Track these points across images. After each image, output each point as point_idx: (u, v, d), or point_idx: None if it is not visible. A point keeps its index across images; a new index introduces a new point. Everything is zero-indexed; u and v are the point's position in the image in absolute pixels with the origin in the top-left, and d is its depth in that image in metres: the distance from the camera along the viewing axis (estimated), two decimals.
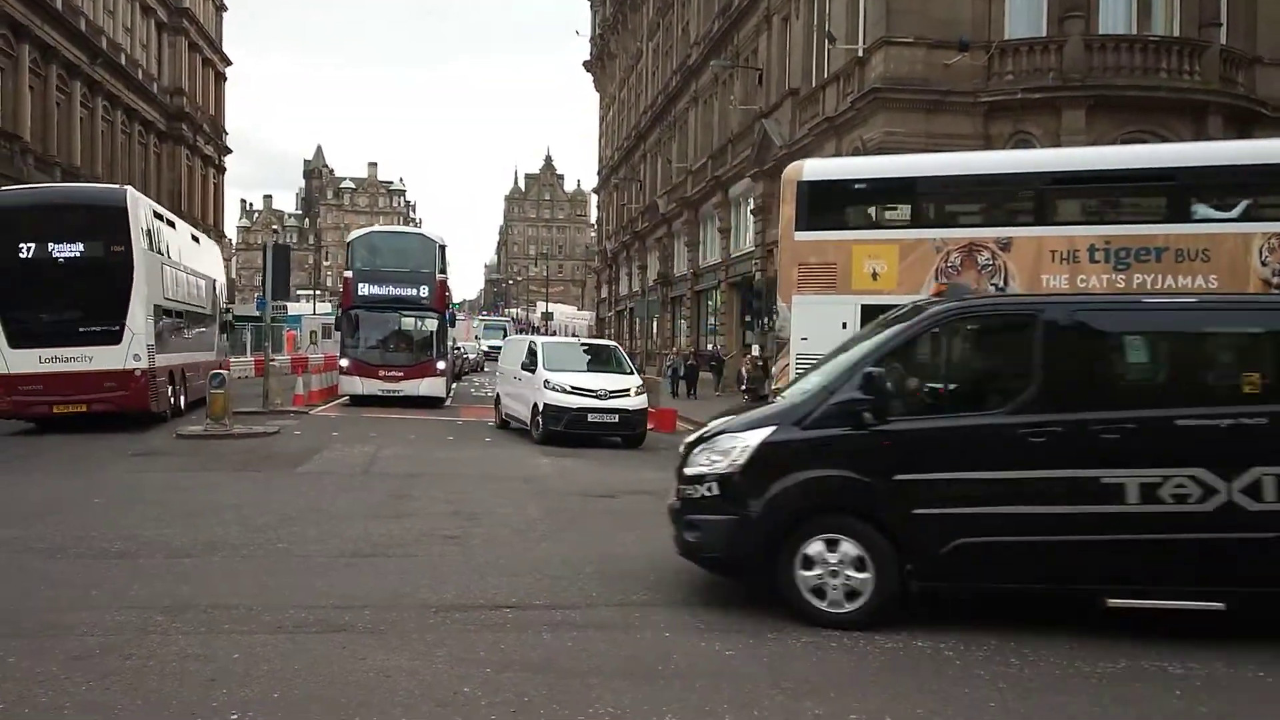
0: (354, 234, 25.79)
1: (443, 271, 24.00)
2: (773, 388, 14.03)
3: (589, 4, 70.64)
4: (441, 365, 23.48)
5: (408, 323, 23.82)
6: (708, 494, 6.26)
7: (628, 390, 16.58)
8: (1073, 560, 5.89)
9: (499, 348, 31.66)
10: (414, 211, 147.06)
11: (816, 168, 14.47)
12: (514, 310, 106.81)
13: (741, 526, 6.12)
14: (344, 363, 23.24)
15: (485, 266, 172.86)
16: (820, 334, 12.76)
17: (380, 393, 22.50)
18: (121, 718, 4.42)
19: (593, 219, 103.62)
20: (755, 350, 23.92)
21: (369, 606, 6.22)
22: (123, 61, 40.52)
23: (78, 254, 16.43)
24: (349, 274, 23.67)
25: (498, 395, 20.06)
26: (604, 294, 66.37)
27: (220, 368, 22.44)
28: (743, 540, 6.13)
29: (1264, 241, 12.22)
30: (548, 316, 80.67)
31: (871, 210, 14.37)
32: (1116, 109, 20.40)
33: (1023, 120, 20.93)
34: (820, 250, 13.45)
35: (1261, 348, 6.35)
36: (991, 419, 6.12)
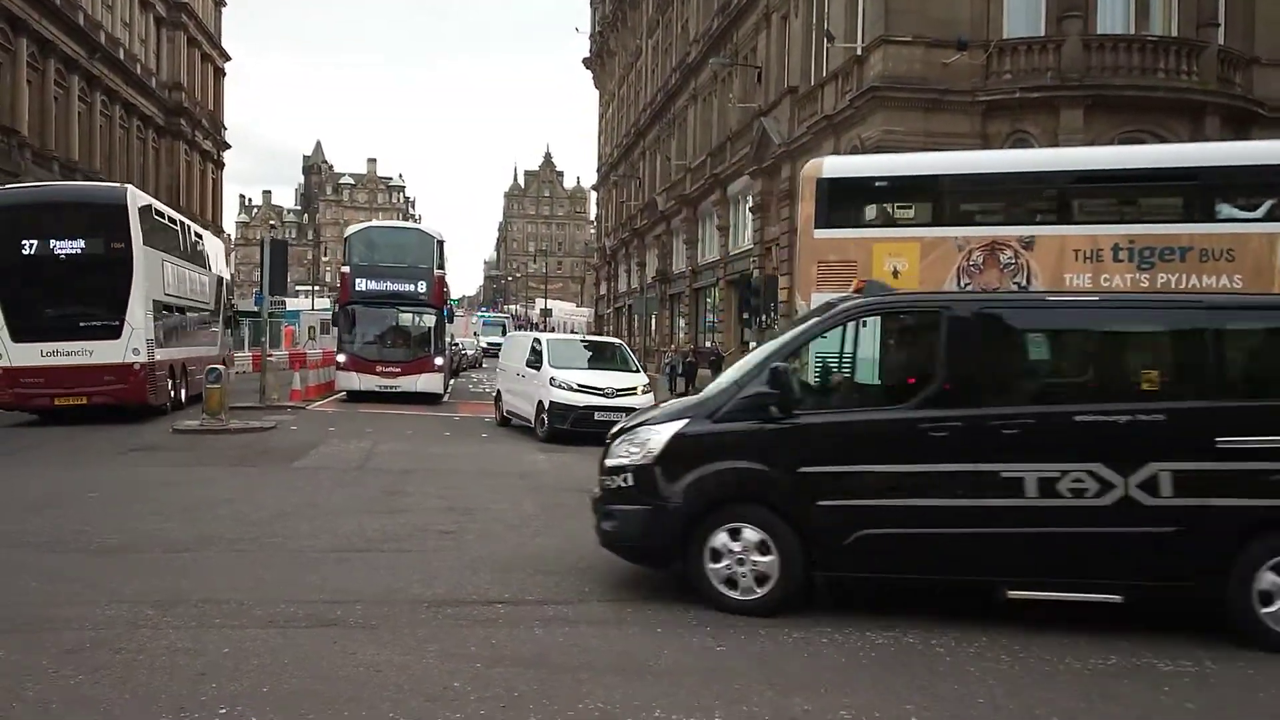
0: (351, 229, 25.70)
1: (441, 267, 23.93)
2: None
3: (589, 1, 70.59)
4: (439, 361, 23.44)
5: (405, 318, 23.76)
6: (624, 485, 6.44)
7: (634, 389, 16.53)
8: (973, 552, 5.99)
9: (498, 344, 31.73)
10: (413, 208, 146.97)
11: (837, 164, 14.29)
12: (513, 306, 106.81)
13: (655, 516, 6.29)
14: (341, 358, 23.22)
15: (485, 263, 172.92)
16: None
17: (377, 388, 22.47)
18: (111, 712, 4.42)
19: (592, 216, 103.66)
20: (753, 347, 23.93)
21: (361, 601, 6.22)
22: (121, 56, 40.45)
23: (79, 251, 16.88)
24: (346, 269, 23.61)
25: (499, 392, 20.03)
26: (603, 291, 66.38)
27: (224, 363, 22.80)
28: (656, 529, 6.30)
29: None
30: (547, 313, 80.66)
31: (892, 208, 14.22)
32: (1114, 109, 20.39)
33: (1021, 119, 20.91)
34: (840, 248, 13.25)
35: (1160, 346, 6.44)
36: (895, 413, 6.25)
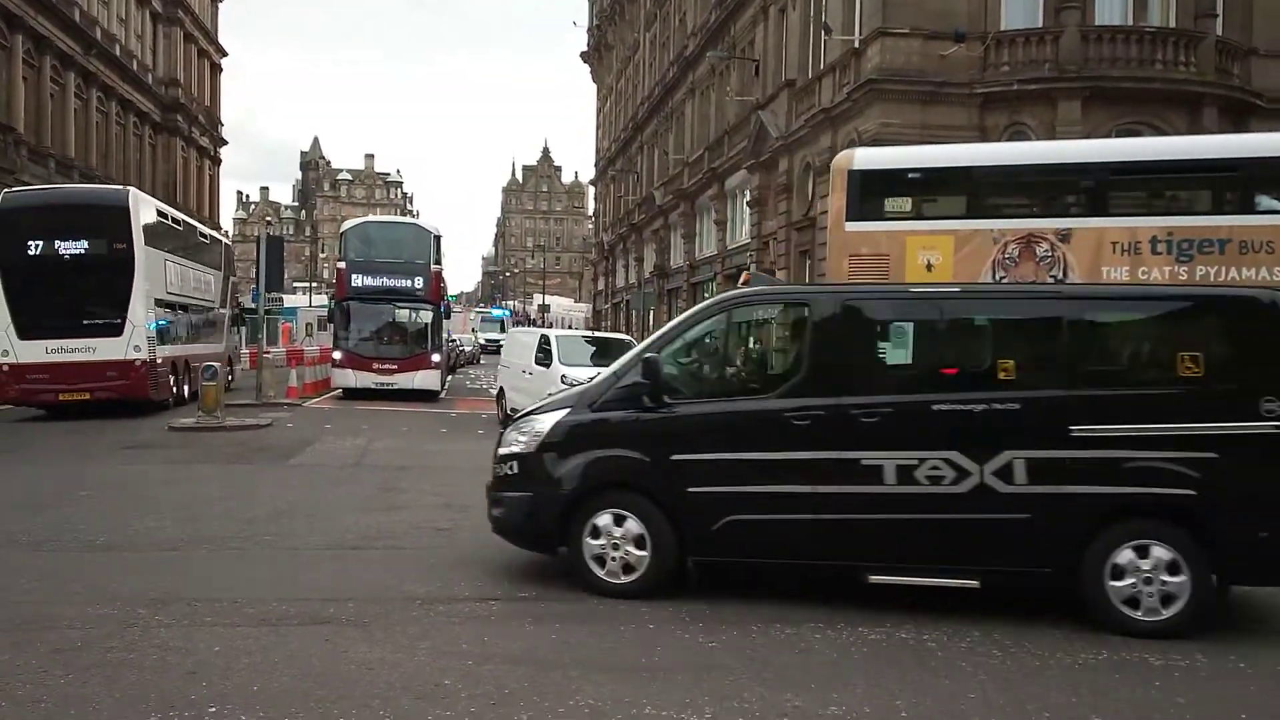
0: (347, 224, 25.58)
1: (438, 262, 23.83)
2: None
3: None
4: (436, 358, 23.37)
5: (402, 315, 23.68)
6: (510, 472, 6.66)
7: None
8: (836, 537, 6.14)
9: (496, 340, 31.66)
10: (411, 203, 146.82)
11: (868, 156, 14.08)
12: (511, 302, 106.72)
13: (538, 502, 6.50)
14: (337, 355, 23.16)
15: (483, 259, 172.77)
16: None
17: (374, 386, 22.41)
18: (100, 711, 4.41)
19: (590, 211, 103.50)
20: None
21: (353, 599, 6.22)
22: (117, 52, 40.33)
23: (82, 251, 17.43)
24: (342, 265, 23.52)
25: (501, 389, 19.96)
26: (601, 286, 66.32)
27: (230, 360, 23.09)
28: (539, 515, 6.51)
29: None
30: (545, 309, 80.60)
31: (925, 200, 13.93)
32: (1112, 100, 20.34)
33: (1018, 111, 20.86)
34: (872, 241, 13.07)
35: (1017, 336, 6.55)
36: (762, 403, 6.42)
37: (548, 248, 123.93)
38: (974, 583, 6.08)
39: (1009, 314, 6.68)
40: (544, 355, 17.21)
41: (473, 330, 57.65)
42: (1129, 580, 5.82)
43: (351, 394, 22.62)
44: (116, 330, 17.35)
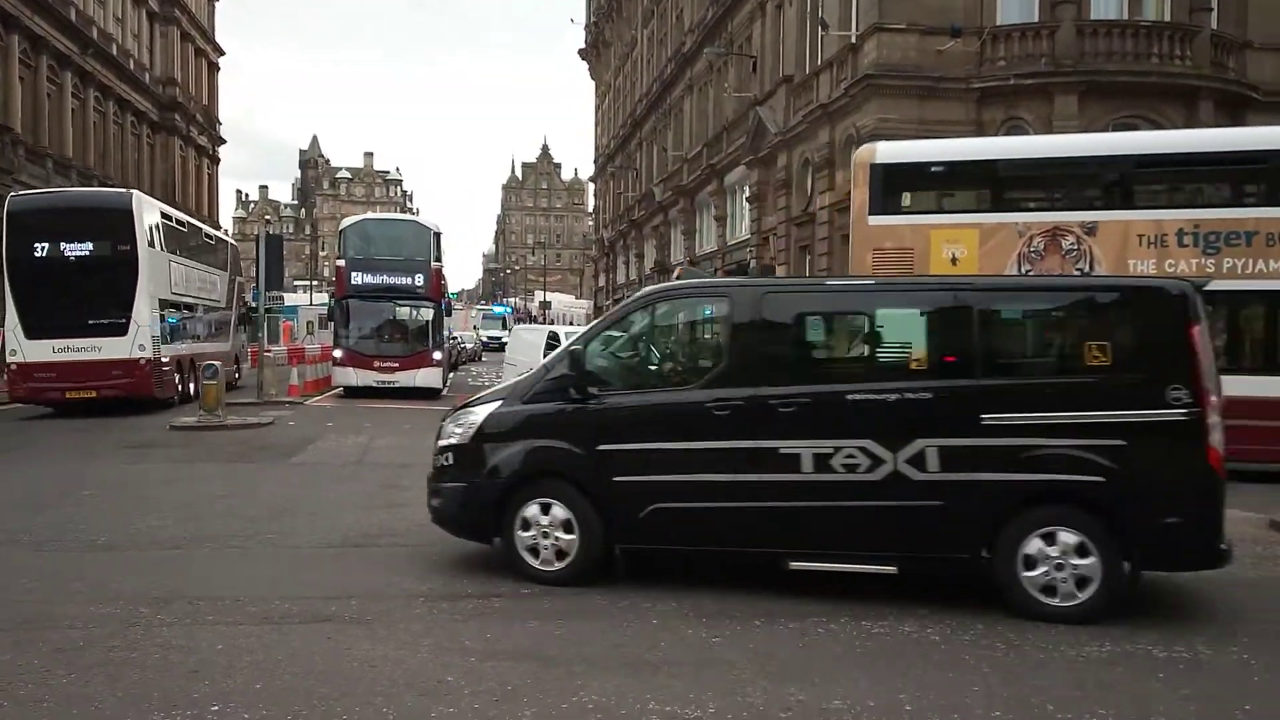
0: (346, 221, 25.54)
1: (438, 259, 23.78)
2: None
3: None
4: (438, 355, 23.32)
5: (402, 312, 23.65)
6: (447, 463, 6.82)
7: None
8: (756, 525, 6.27)
9: (498, 338, 31.56)
10: (411, 201, 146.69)
11: (890, 150, 14.06)
12: (513, 299, 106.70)
13: (471, 492, 6.66)
14: (337, 354, 23.14)
15: (483, 256, 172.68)
16: None
17: (375, 384, 22.39)
18: (102, 710, 4.41)
19: (590, 208, 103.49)
20: None
21: (356, 597, 6.22)
22: (114, 52, 40.25)
23: (87, 252, 17.91)
24: (341, 262, 23.49)
25: None
26: (601, 282, 66.28)
27: (237, 359, 23.30)
28: (473, 505, 6.67)
29: None
30: (546, 305, 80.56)
31: (949, 193, 14.00)
32: (1109, 94, 20.35)
33: (1015, 106, 20.87)
34: (896, 235, 13.05)
35: (930, 327, 6.62)
36: (685, 394, 6.55)
37: (548, 244, 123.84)
38: (891, 569, 6.23)
39: (921, 306, 6.77)
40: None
41: (474, 327, 57.62)
42: (1041, 567, 5.90)
43: (353, 392, 22.60)
44: (121, 330, 17.79)
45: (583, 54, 69.07)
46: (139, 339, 17.88)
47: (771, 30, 29.19)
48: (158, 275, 18.97)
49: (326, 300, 35.75)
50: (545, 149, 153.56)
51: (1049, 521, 5.92)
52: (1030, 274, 12.34)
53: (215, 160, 55.46)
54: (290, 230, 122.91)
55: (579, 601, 6.24)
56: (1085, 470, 5.86)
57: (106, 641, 5.27)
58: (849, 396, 6.24)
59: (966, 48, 20.86)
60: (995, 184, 13.28)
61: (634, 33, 52.76)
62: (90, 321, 17.74)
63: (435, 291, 23.34)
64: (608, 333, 6.94)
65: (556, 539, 6.49)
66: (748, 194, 30.58)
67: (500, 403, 6.80)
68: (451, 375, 29.55)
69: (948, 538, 6.07)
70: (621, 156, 55.58)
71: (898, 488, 6.02)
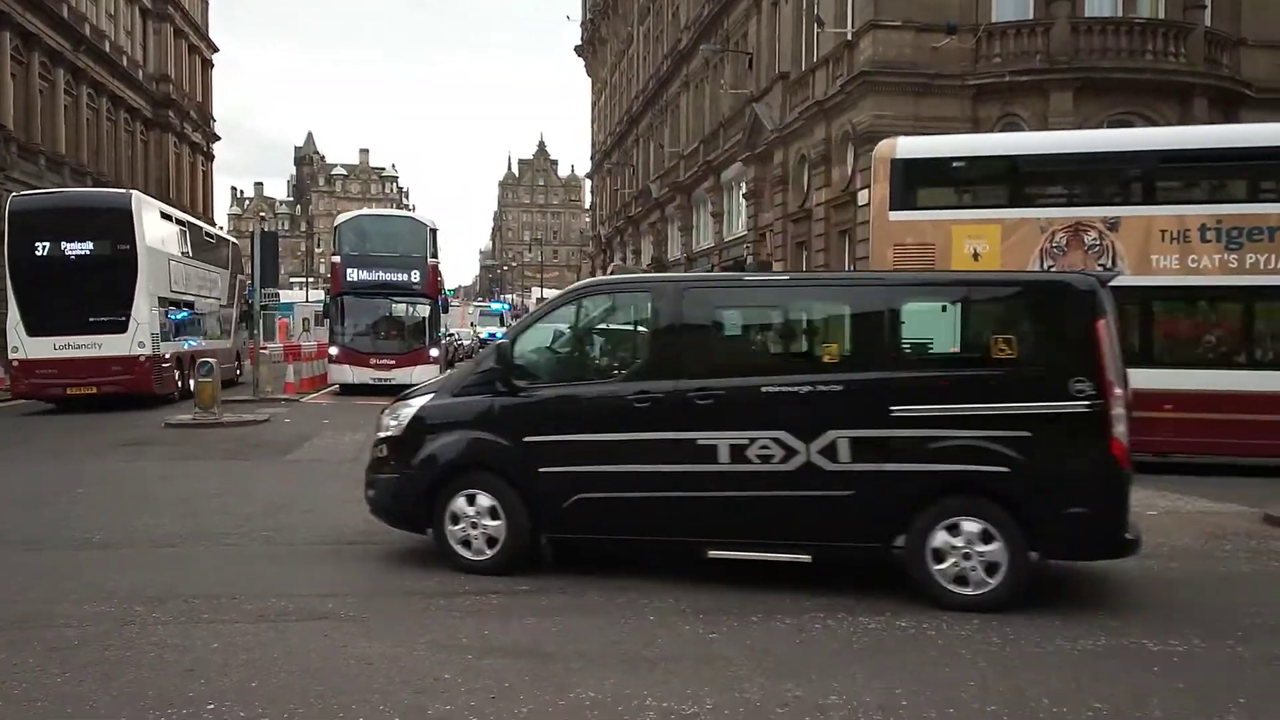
0: (341, 217, 25.48)
1: (434, 256, 23.72)
2: None
3: None
4: (434, 353, 23.27)
5: (399, 309, 23.60)
6: (381, 455, 6.98)
7: None
8: (676, 514, 6.41)
9: (494, 334, 31.45)
10: (407, 198, 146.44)
11: (910, 145, 14.00)
12: (510, 296, 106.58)
13: (403, 483, 6.80)
14: (333, 351, 23.09)
15: (480, 252, 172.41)
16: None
17: (371, 381, 22.34)
18: (97, 709, 4.40)
19: (586, 204, 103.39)
20: None
21: (352, 594, 6.21)
22: (107, 49, 40.09)
23: (88, 251, 18.44)
24: (337, 259, 23.46)
25: None
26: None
27: (238, 356, 23.57)
28: (405, 496, 6.81)
29: None
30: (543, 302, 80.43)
31: (971, 189, 13.90)
32: (1103, 91, 20.38)
33: (1010, 103, 20.89)
34: (917, 230, 12.97)
35: (839, 321, 6.82)
36: (607, 387, 6.76)
37: (545, 241, 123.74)
38: (806, 558, 6.35)
39: (834, 301, 6.94)
40: None
41: (471, 324, 57.50)
42: (950, 557, 6.00)
43: (349, 389, 22.56)
44: (121, 327, 18.28)
45: (579, 51, 68.96)
46: (138, 336, 18.33)
47: (767, 27, 29.17)
48: (157, 274, 19.37)
49: (322, 297, 35.74)
50: (542, 145, 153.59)
51: (957, 512, 6.03)
52: (1053, 269, 12.39)
53: (209, 157, 55.29)
54: (286, 227, 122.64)
55: (576, 598, 6.23)
56: (990, 461, 5.97)
57: (101, 640, 5.25)
58: (764, 389, 6.39)
59: (962, 44, 20.87)
60: (1017, 179, 13.21)
61: (630, 29, 52.69)
62: (91, 319, 18.14)
63: (432, 288, 23.30)
64: (536, 327, 7.12)
65: (484, 529, 6.61)
66: (744, 190, 30.58)
67: (433, 396, 6.99)
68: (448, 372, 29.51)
69: (860, 527, 6.20)
70: (618, 153, 55.53)
71: (811, 478, 6.15)
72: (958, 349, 6.68)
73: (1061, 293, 6.37)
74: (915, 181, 13.24)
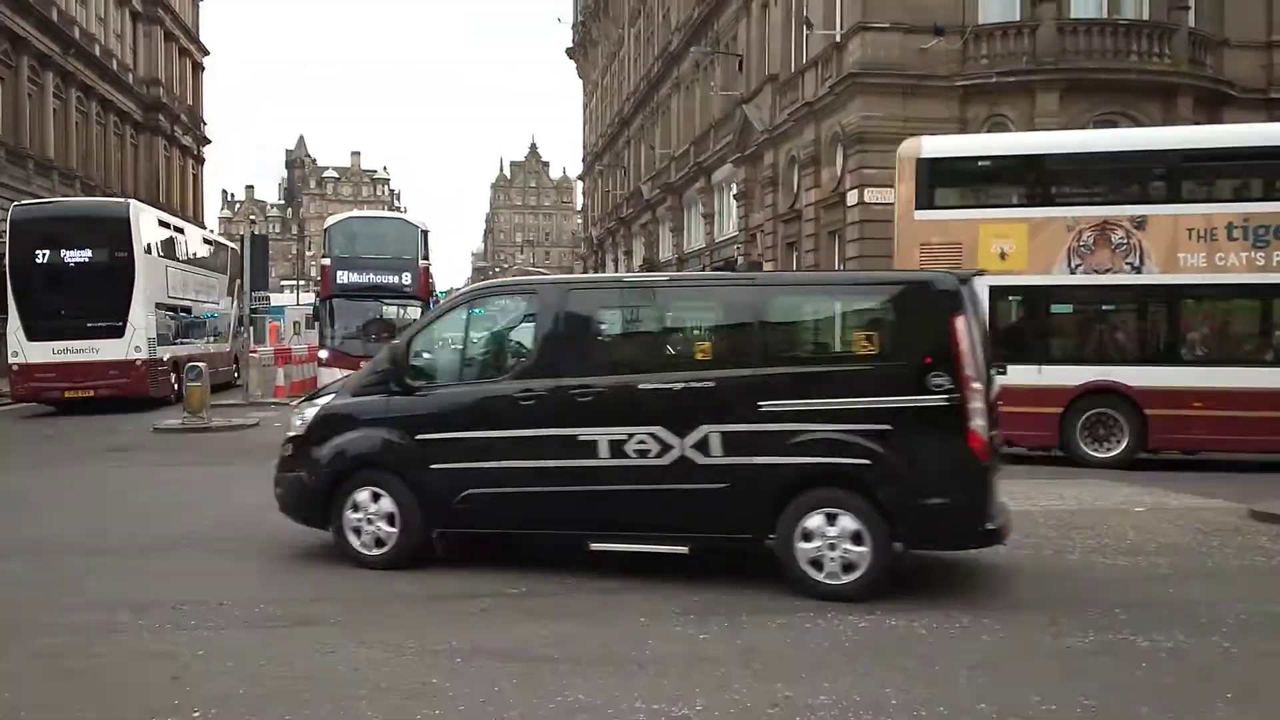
0: (331, 219, 25.38)
1: (425, 258, 23.62)
2: None
3: None
4: None
5: (389, 311, 23.43)
6: (287, 454, 7.25)
7: None
8: (560, 508, 6.62)
9: None
10: (398, 200, 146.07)
11: (936, 144, 13.96)
12: None
13: (305, 481, 7.04)
14: (323, 354, 22.95)
15: (472, 255, 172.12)
16: None
17: None
18: (81, 718, 4.37)
19: (578, 206, 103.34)
20: None
21: (340, 599, 6.19)
22: (97, 52, 39.91)
23: (87, 259, 19.13)
24: (327, 261, 23.33)
25: None
26: None
27: (235, 359, 24.03)
28: (307, 493, 7.03)
29: None
30: None
31: (997, 187, 13.90)
32: (1089, 91, 20.47)
33: (998, 103, 20.95)
34: (943, 229, 12.85)
35: (711, 320, 7.03)
36: (495, 386, 6.95)
37: (536, 243, 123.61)
38: (683, 549, 6.57)
39: (708, 300, 7.15)
40: None
41: None
42: (815, 545, 6.17)
43: None
44: (118, 332, 18.85)
45: (570, 53, 68.95)
46: (135, 341, 18.89)
47: (757, 29, 29.21)
48: (154, 280, 19.98)
49: (313, 300, 35.59)
50: (534, 148, 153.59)
51: (822, 503, 6.20)
52: (1080, 268, 12.46)
53: (200, 160, 55.11)
54: (277, 230, 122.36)
55: (565, 600, 6.23)
56: (852, 454, 6.16)
57: (86, 648, 5.22)
58: (641, 386, 6.58)
59: (950, 46, 20.92)
60: (1044, 178, 13.20)
61: (621, 32, 52.70)
62: (89, 324, 18.73)
63: (423, 290, 23.19)
64: (430, 328, 7.35)
65: (379, 525, 6.80)
66: (735, 191, 30.60)
67: (333, 396, 7.26)
68: None
69: (733, 519, 6.38)
70: (609, 155, 55.53)
71: (685, 472, 6.32)
72: (823, 346, 6.98)
73: (921, 291, 6.55)
74: (941, 181, 13.23)
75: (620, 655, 5.21)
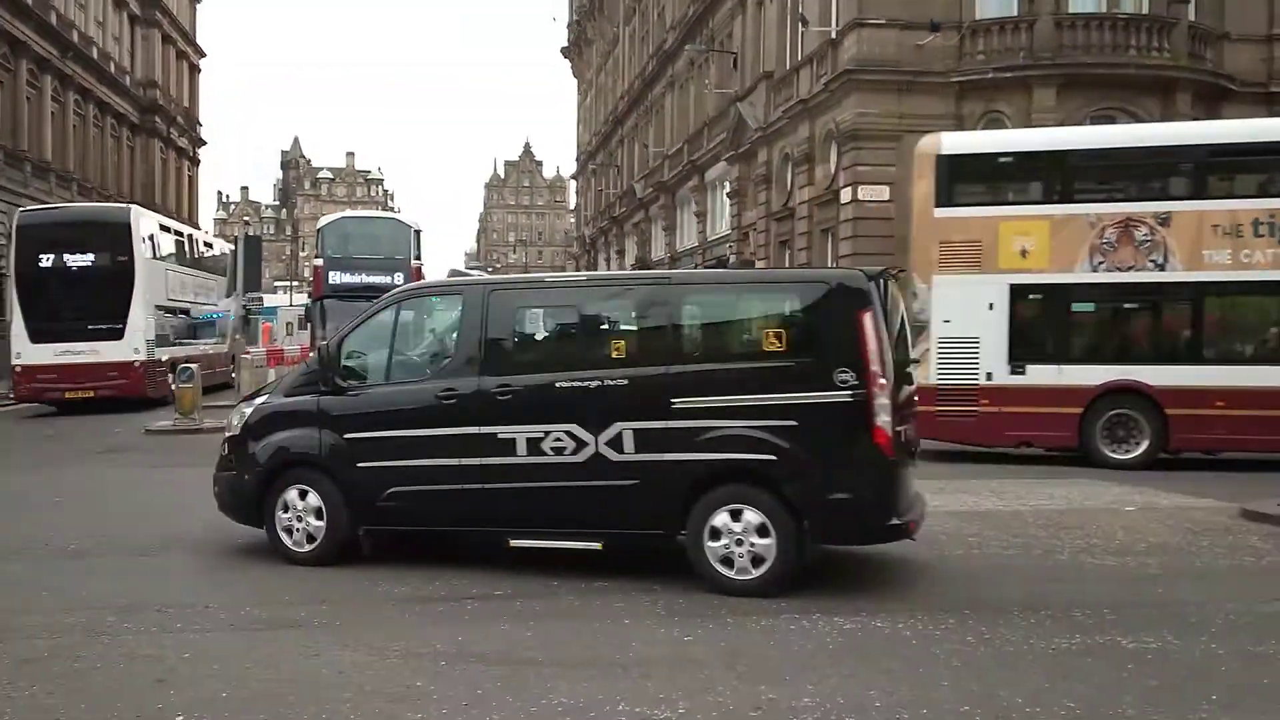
0: (324, 220, 25.37)
1: (418, 257, 23.60)
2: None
3: None
4: None
5: None
6: (224, 454, 7.44)
7: None
8: (481, 505, 6.72)
9: None
10: (393, 200, 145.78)
11: (956, 141, 13.83)
12: None
13: (239, 480, 7.24)
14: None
15: (465, 254, 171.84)
16: (965, 315, 12.54)
17: None
18: None
19: (571, 205, 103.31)
20: None
21: (326, 601, 6.18)
22: (95, 55, 39.87)
23: (88, 263, 19.77)
24: (319, 261, 23.33)
25: None
26: None
27: (233, 360, 24.48)
28: (241, 492, 7.23)
29: None
30: None
31: (1018, 184, 13.72)
32: (1087, 87, 20.44)
33: (995, 100, 20.93)
34: (963, 227, 12.75)
35: (626, 318, 7.07)
36: (420, 385, 7.07)
37: (530, 242, 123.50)
38: (597, 545, 6.65)
39: (623, 300, 7.20)
40: None
41: None
42: (724, 542, 6.27)
43: None
44: (118, 335, 19.38)
45: (565, 52, 68.89)
46: (134, 343, 19.41)
47: (752, 27, 29.19)
48: (153, 283, 20.59)
49: (306, 301, 35.53)
50: (527, 147, 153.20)
51: (730, 499, 6.28)
52: (1102, 266, 12.37)
53: (195, 162, 55.07)
54: (271, 231, 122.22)
55: (551, 603, 6.23)
56: (760, 449, 6.23)
57: (72, 651, 5.22)
58: (558, 384, 6.68)
59: (946, 42, 20.90)
60: (1066, 174, 13.03)
61: (616, 30, 52.64)
62: (89, 327, 19.25)
63: None
64: (360, 330, 7.40)
65: (308, 522, 6.96)
66: (728, 189, 30.58)
67: (266, 397, 7.45)
68: None
69: (646, 515, 6.48)
70: (603, 154, 55.49)
71: (599, 468, 6.43)
72: (734, 344, 7.02)
73: (829, 289, 6.60)
74: (961, 177, 13.08)
75: (604, 657, 5.21)
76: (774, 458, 6.20)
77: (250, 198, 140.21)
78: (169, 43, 49.48)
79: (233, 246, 29.88)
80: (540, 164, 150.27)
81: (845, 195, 21.56)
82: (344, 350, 7.21)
